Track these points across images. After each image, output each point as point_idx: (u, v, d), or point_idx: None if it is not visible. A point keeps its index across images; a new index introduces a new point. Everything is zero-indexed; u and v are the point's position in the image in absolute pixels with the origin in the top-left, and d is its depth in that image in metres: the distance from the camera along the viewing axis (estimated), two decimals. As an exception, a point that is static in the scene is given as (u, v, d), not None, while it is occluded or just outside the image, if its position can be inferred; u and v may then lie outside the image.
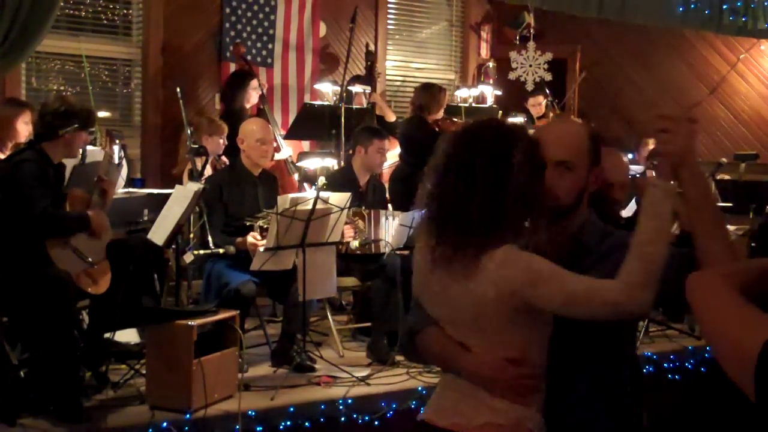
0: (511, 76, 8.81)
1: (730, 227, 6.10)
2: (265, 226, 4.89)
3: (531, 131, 2.29)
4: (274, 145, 6.01)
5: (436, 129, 6.77)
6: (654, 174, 2.06)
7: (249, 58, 7.48)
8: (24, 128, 5.15)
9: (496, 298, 2.04)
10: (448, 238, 2.10)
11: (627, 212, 5.43)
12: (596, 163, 2.26)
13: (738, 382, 1.36)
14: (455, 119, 7.04)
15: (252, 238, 4.93)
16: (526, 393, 2.11)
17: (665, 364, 5.49)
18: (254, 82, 6.80)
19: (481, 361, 2.10)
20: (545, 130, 2.31)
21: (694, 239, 1.91)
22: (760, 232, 4.88)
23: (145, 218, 5.06)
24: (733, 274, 1.49)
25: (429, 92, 6.77)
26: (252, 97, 6.79)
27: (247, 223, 5.02)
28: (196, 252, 4.98)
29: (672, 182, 1.98)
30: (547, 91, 8.59)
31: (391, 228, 5.53)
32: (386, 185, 6.36)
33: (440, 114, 6.77)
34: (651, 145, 7.92)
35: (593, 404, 2.22)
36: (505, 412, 2.10)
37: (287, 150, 6.92)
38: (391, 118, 7.59)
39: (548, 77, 8.72)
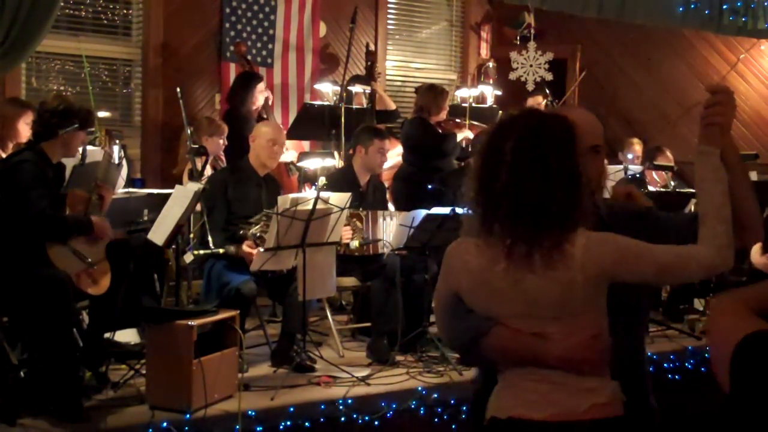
0: (512, 76, 8.80)
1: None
2: (258, 234, 4.90)
3: None
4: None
5: (439, 130, 6.78)
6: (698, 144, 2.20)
7: (249, 58, 7.49)
8: (25, 129, 5.15)
9: (584, 281, 2.10)
10: (523, 234, 2.11)
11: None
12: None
13: (717, 375, 1.49)
14: (458, 120, 7.04)
15: (247, 247, 4.93)
16: (607, 364, 2.17)
17: (665, 364, 5.49)
18: (261, 85, 6.82)
19: (568, 345, 2.13)
20: (576, 117, 2.32)
21: (732, 199, 2.14)
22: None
23: (145, 218, 5.06)
24: (750, 297, 1.67)
25: (429, 94, 6.77)
26: (258, 99, 6.79)
27: (241, 231, 5.02)
28: (196, 252, 4.98)
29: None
30: (547, 91, 8.59)
31: (390, 228, 5.53)
32: (386, 185, 6.36)
33: (443, 115, 6.77)
34: (636, 145, 7.94)
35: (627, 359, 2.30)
36: (601, 389, 2.15)
37: (291, 153, 6.93)
38: (392, 106, 7.61)
39: (549, 77, 8.72)
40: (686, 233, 2.22)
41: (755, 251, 4.59)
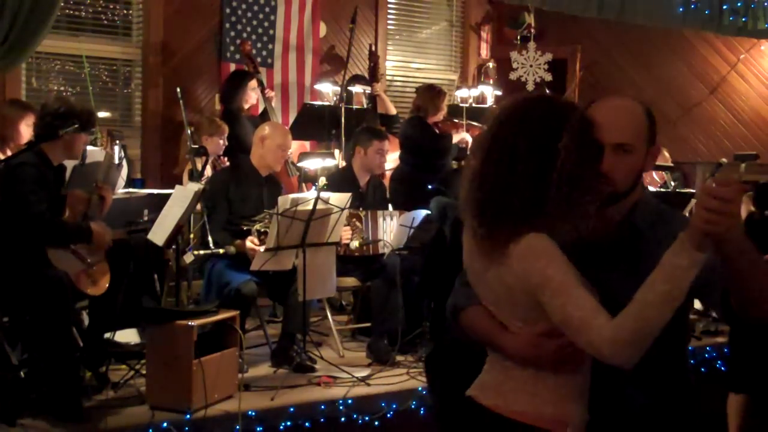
0: (512, 76, 8.80)
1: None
2: (263, 230, 4.90)
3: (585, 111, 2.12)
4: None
5: (437, 131, 6.78)
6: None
7: (252, 56, 7.48)
8: (27, 131, 5.14)
9: (522, 290, 1.97)
10: (487, 221, 2.01)
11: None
12: (653, 142, 2.13)
13: None
14: (456, 120, 7.04)
15: (250, 242, 4.93)
16: (573, 362, 2.02)
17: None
18: (253, 83, 6.76)
19: (519, 340, 2.04)
20: (600, 110, 2.13)
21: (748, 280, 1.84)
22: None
23: (145, 218, 5.05)
24: None
25: (427, 94, 6.79)
26: (251, 97, 6.75)
27: (245, 227, 5.02)
28: (196, 252, 4.98)
29: (703, 254, 1.78)
30: (548, 91, 8.59)
31: (390, 228, 5.53)
32: (386, 185, 6.37)
33: (440, 116, 6.78)
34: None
35: (646, 389, 2.12)
36: (546, 402, 2.04)
37: None
38: (392, 111, 7.60)
39: (548, 78, 8.72)
40: (710, 276, 1.90)
41: None
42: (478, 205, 2.03)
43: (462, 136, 6.91)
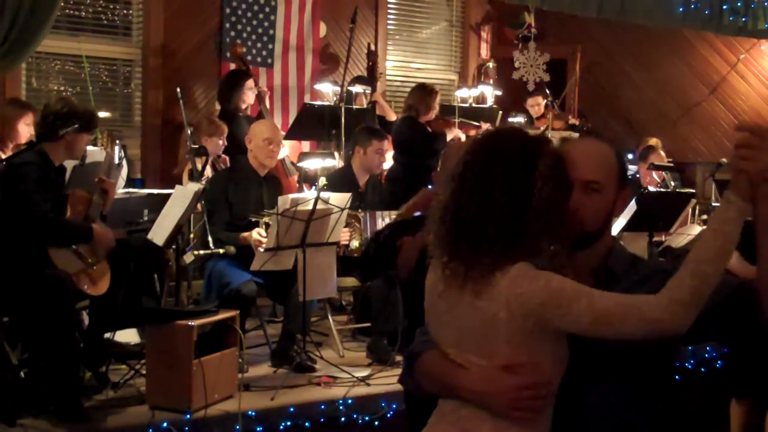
0: (515, 75, 8.81)
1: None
2: (270, 222, 4.89)
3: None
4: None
5: (428, 130, 6.78)
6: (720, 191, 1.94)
7: (249, 58, 7.48)
8: (25, 130, 5.14)
9: (508, 319, 1.86)
10: (461, 253, 1.92)
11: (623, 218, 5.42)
12: (623, 185, 2.09)
13: None
14: (448, 119, 7.04)
15: (257, 234, 4.93)
16: (532, 409, 1.90)
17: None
18: (249, 82, 6.76)
19: (476, 375, 1.92)
20: (572, 147, 2.10)
21: (758, 261, 1.83)
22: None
23: (145, 218, 5.05)
24: None
25: (419, 93, 6.80)
26: (248, 97, 6.74)
27: (253, 219, 5.02)
28: (196, 252, 4.98)
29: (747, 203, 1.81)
30: (547, 91, 8.60)
31: (390, 228, 5.53)
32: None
33: (432, 115, 6.77)
34: (652, 143, 7.92)
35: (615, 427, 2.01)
36: None
37: (284, 150, 6.91)
38: (392, 117, 7.59)
39: (546, 78, 8.72)
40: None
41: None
42: (452, 237, 1.95)
43: (455, 134, 6.92)
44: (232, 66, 7.48)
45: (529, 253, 1.90)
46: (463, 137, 6.89)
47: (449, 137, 6.83)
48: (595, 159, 2.05)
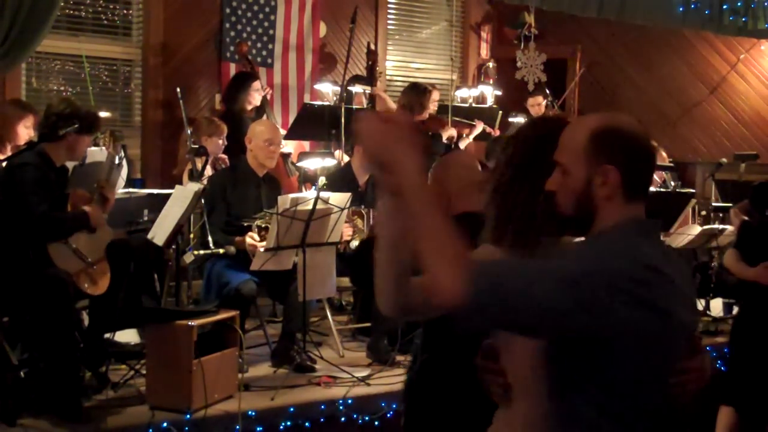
0: (518, 75, 8.82)
1: (728, 227, 6.10)
2: (264, 226, 4.89)
3: None
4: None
5: (425, 130, 6.77)
6: None
7: (250, 58, 7.48)
8: (24, 132, 5.13)
9: None
10: (506, 238, 2.02)
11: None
12: (596, 168, 1.84)
13: None
14: (441, 118, 7.03)
15: (250, 238, 4.93)
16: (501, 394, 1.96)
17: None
18: (256, 84, 6.78)
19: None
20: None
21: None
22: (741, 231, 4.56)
23: (145, 218, 5.05)
24: None
25: (412, 92, 6.80)
26: (254, 98, 6.77)
27: (245, 224, 5.02)
28: (196, 252, 4.98)
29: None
30: (547, 91, 8.60)
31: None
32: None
33: (426, 114, 6.78)
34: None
35: None
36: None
37: (287, 149, 6.92)
38: (393, 107, 7.59)
39: (543, 78, 8.73)
40: None
41: (729, 255, 4.27)
42: (498, 222, 2.04)
43: (450, 133, 6.92)
44: (233, 66, 7.49)
45: (514, 235, 2.00)
46: (455, 136, 6.90)
47: (444, 137, 6.83)
48: (562, 139, 1.93)
